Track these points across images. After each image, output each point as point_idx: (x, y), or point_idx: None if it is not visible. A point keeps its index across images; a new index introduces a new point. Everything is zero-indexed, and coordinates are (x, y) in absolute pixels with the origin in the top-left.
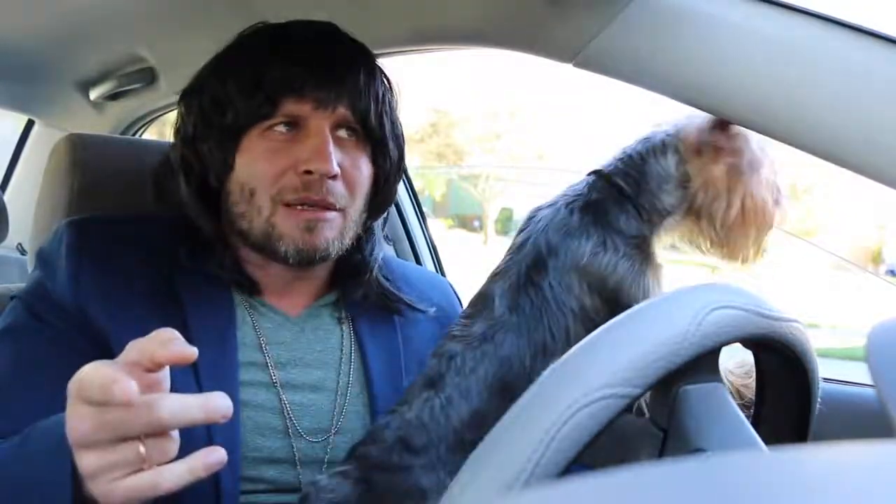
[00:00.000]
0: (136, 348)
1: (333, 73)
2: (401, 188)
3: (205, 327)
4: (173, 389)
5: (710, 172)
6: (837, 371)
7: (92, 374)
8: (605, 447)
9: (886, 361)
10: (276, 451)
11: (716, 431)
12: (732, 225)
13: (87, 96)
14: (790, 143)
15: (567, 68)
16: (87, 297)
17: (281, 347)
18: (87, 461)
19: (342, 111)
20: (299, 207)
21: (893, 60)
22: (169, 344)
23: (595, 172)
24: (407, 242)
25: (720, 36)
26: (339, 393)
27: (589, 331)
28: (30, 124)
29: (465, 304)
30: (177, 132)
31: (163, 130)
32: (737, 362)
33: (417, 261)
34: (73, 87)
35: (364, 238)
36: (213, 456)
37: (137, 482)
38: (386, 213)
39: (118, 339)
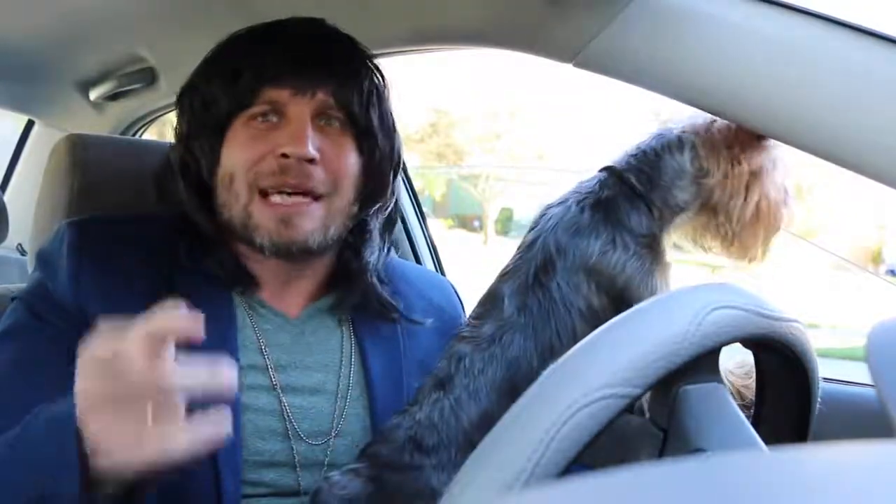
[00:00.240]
0: (146, 320)
1: (312, 61)
2: (401, 188)
3: (205, 328)
4: None
5: (730, 169)
6: (837, 371)
7: (100, 335)
8: (605, 447)
9: (886, 361)
10: (277, 455)
11: (716, 431)
12: (746, 223)
13: (87, 96)
14: (790, 143)
15: (567, 68)
16: (88, 297)
17: (281, 350)
18: (94, 426)
19: (322, 97)
20: (276, 198)
21: (893, 60)
22: (176, 315)
23: (607, 169)
24: (407, 242)
25: (720, 36)
26: (339, 396)
27: None
28: (30, 124)
29: (466, 303)
30: (173, 130)
31: (163, 130)
32: (737, 362)
33: (417, 261)
34: (73, 87)
35: (360, 241)
36: (220, 425)
37: (144, 448)
38: (392, 220)
39: None
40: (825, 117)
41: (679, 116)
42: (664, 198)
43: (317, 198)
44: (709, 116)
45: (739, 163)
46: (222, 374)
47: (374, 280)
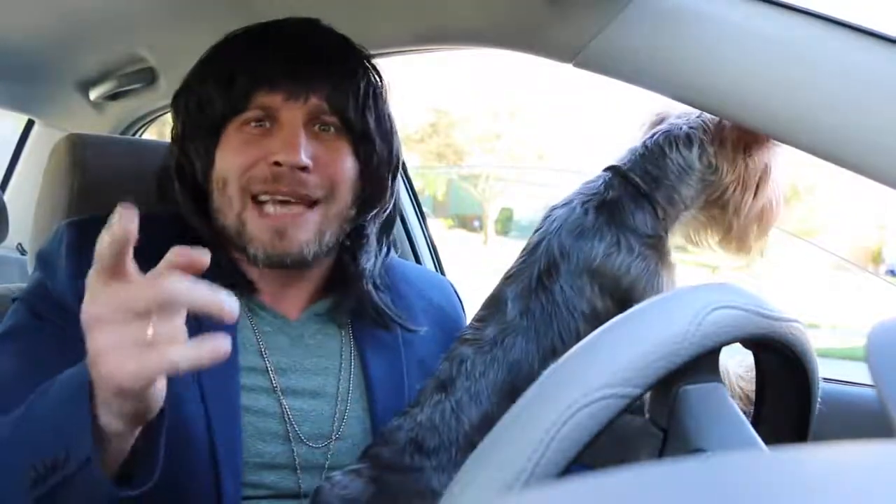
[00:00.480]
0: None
1: (306, 65)
2: (401, 188)
3: (203, 327)
4: (175, 391)
5: (744, 166)
6: (837, 371)
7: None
8: (605, 447)
9: (886, 361)
10: (277, 457)
11: (716, 431)
12: (751, 219)
13: (87, 96)
14: (790, 143)
15: (567, 68)
16: None
17: (280, 352)
18: (96, 339)
19: (315, 102)
20: (269, 208)
21: (893, 60)
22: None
23: (611, 168)
24: (407, 242)
25: (720, 36)
26: (339, 398)
27: None
28: (30, 124)
29: (466, 303)
30: (171, 133)
31: (163, 130)
32: (746, 367)
33: (417, 261)
34: (73, 87)
35: (357, 245)
36: (220, 343)
37: (144, 361)
38: (391, 221)
39: None
40: (825, 117)
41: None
42: (669, 196)
43: (312, 204)
44: None
45: (752, 160)
46: (221, 296)
47: (370, 287)
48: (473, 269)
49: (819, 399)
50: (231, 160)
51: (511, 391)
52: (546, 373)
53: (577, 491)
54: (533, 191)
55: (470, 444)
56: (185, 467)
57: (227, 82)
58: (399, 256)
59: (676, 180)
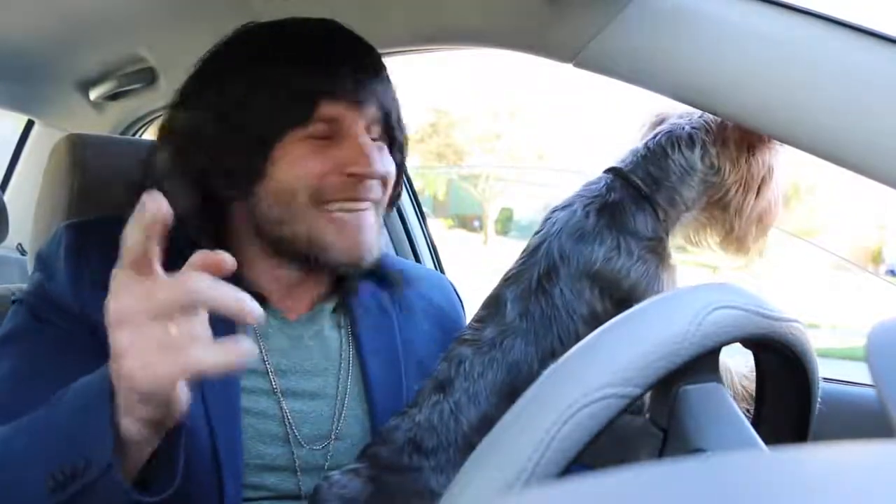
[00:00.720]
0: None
1: (364, 74)
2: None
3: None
4: None
5: (747, 167)
6: (837, 371)
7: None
8: (605, 447)
9: (886, 361)
10: (277, 459)
11: (716, 431)
12: (752, 220)
13: (87, 96)
14: (790, 143)
15: (567, 68)
16: (87, 299)
17: (280, 354)
18: (120, 338)
19: (374, 111)
20: (339, 214)
21: (893, 60)
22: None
23: (612, 170)
24: (407, 242)
25: (720, 36)
26: (338, 399)
27: None
28: (30, 124)
29: (465, 303)
30: (179, 135)
31: None
32: (749, 367)
33: (417, 261)
34: (73, 87)
35: None
36: (245, 344)
37: (167, 362)
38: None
39: None
40: (825, 117)
41: (679, 111)
42: (670, 198)
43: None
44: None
45: (755, 161)
46: (245, 298)
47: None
48: (473, 269)
49: (819, 399)
50: (297, 172)
51: (510, 392)
52: (546, 373)
53: (577, 491)
54: (533, 191)
55: (468, 444)
56: (188, 469)
57: (286, 92)
58: (399, 256)
59: (678, 181)
